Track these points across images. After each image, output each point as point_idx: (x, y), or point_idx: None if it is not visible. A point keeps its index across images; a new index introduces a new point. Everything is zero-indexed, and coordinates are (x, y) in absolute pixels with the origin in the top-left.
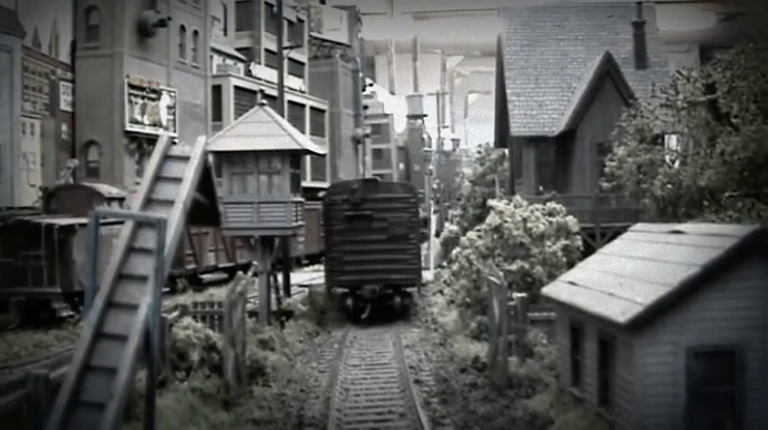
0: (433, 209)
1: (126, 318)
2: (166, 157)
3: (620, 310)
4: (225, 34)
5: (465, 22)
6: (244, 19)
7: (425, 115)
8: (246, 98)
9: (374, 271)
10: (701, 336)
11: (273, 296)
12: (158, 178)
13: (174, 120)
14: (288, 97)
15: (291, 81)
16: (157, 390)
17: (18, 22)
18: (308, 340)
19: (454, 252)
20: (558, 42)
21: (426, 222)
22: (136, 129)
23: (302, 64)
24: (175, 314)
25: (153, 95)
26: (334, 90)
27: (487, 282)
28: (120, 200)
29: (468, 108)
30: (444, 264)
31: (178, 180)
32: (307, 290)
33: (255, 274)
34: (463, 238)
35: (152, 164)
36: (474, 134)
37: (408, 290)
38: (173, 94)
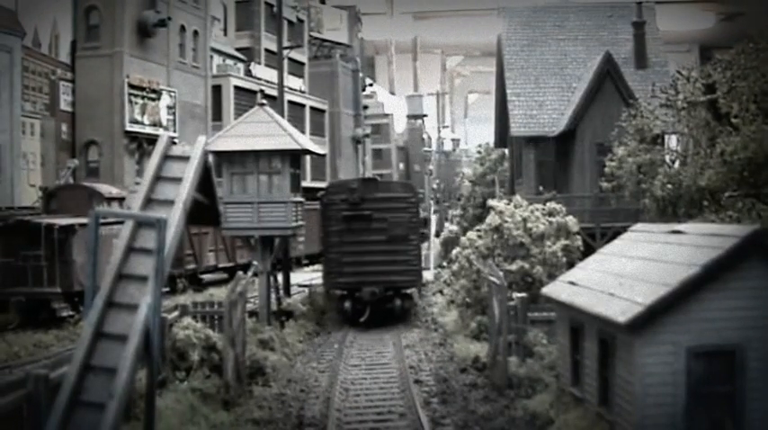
0: (433, 209)
1: (126, 317)
2: (166, 157)
3: (620, 310)
4: (225, 34)
5: (465, 22)
6: (244, 19)
7: (425, 115)
8: (246, 98)
9: (373, 273)
10: (701, 336)
11: (273, 296)
12: (158, 178)
13: (174, 121)
14: (288, 97)
15: (291, 81)
16: (157, 390)
17: (18, 22)
18: (307, 340)
19: (454, 252)
20: (558, 42)
21: (426, 222)
22: (136, 129)
23: (302, 64)
24: (175, 314)
25: (153, 95)
26: (334, 90)
27: (487, 282)
28: (120, 200)
29: (468, 108)
30: (444, 264)
31: (178, 180)
32: (307, 290)
33: (255, 274)
34: (463, 238)
35: (152, 164)
36: (474, 134)
37: (408, 291)
38: (173, 94)
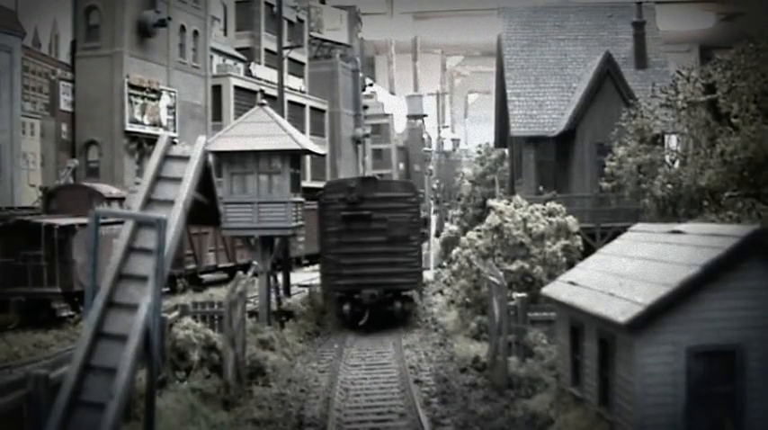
0: (433, 209)
1: (126, 317)
2: (166, 157)
3: (620, 310)
4: (225, 34)
5: (465, 22)
6: (244, 19)
7: (425, 115)
8: (246, 98)
9: (373, 274)
10: (701, 336)
11: (273, 296)
12: (158, 178)
13: (174, 120)
14: (288, 97)
15: (291, 81)
16: (157, 390)
17: (18, 22)
18: (307, 340)
19: (454, 252)
20: (558, 42)
21: (426, 222)
22: (136, 129)
23: (302, 64)
24: (175, 314)
25: (153, 95)
26: (334, 90)
27: (487, 282)
28: (120, 200)
29: (468, 108)
30: (444, 264)
31: (178, 180)
32: (307, 290)
33: (255, 274)
34: (463, 238)
35: (152, 164)
36: (474, 134)
37: (409, 293)
38: (173, 94)
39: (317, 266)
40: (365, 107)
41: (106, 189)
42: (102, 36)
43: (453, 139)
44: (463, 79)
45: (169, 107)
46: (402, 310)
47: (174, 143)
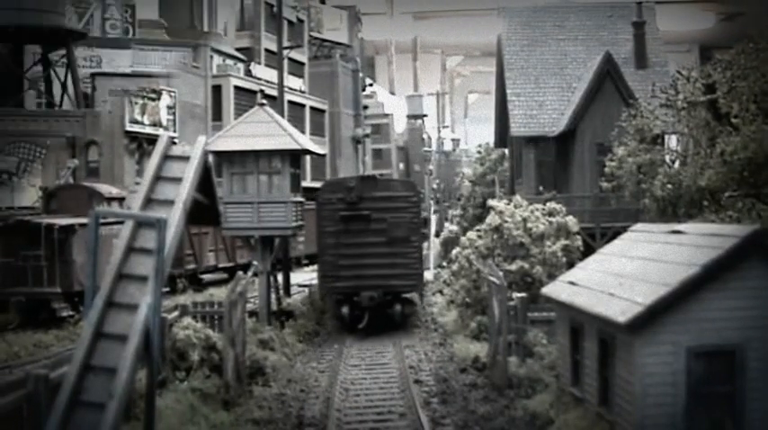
0: (433, 209)
1: (126, 318)
2: (166, 157)
3: (620, 310)
4: (225, 34)
5: (465, 22)
6: (244, 19)
7: (425, 115)
8: (246, 98)
9: (372, 276)
10: (701, 336)
11: (273, 296)
12: (158, 178)
13: (174, 120)
14: (288, 97)
15: (291, 81)
16: (157, 390)
17: None
18: (307, 340)
19: (454, 252)
20: (558, 42)
21: (426, 222)
22: (136, 129)
23: (302, 64)
24: (175, 314)
25: (153, 95)
26: (334, 90)
27: (487, 282)
28: (120, 200)
29: (468, 108)
30: (444, 264)
31: (178, 180)
32: (307, 290)
33: (255, 274)
34: (463, 238)
35: (152, 164)
36: (474, 134)
37: (409, 296)
38: (173, 94)
39: (316, 266)
40: (365, 107)
41: (106, 189)
42: None
43: (453, 139)
44: (463, 79)
45: (169, 107)
46: (402, 313)
47: (174, 143)
